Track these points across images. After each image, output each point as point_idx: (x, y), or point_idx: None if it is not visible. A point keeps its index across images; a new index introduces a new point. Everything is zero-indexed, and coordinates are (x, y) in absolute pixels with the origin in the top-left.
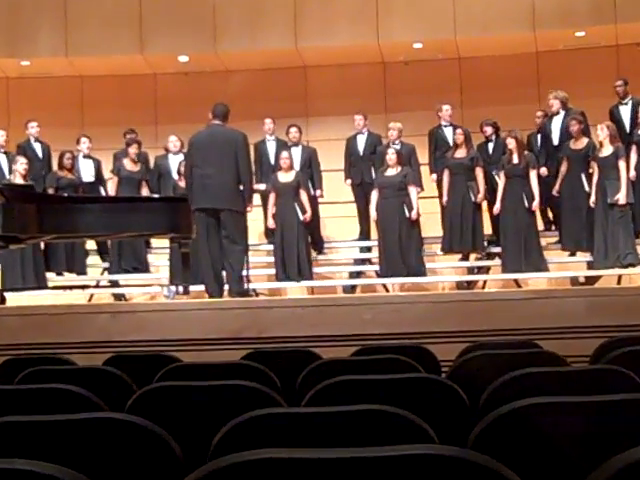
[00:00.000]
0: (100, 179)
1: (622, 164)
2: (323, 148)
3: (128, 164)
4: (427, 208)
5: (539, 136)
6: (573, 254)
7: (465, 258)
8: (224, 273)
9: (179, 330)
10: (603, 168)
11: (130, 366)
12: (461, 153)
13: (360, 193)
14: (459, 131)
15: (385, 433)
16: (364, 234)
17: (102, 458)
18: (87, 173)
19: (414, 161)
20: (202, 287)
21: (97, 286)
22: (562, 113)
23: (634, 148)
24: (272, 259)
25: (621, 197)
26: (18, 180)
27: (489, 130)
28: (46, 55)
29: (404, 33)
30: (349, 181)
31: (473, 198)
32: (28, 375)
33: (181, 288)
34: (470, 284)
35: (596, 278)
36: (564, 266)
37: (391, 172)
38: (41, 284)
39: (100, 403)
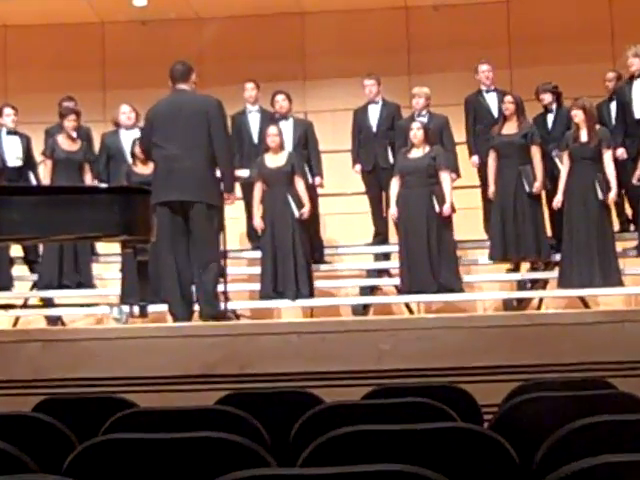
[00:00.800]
0: (29, 162)
1: None
2: (325, 122)
3: (64, 142)
4: (464, 201)
5: (613, 105)
6: None
7: (515, 268)
8: (194, 289)
9: (134, 365)
10: None
11: (69, 412)
12: (511, 128)
13: (373, 182)
14: (508, 99)
15: None
16: (380, 236)
17: None
18: (12, 155)
19: (447, 138)
20: (164, 307)
21: (25, 306)
22: None
23: None
24: (258, 270)
25: None
26: None
27: (548, 97)
28: None
29: None
30: (358, 166)
31: (527, 187)
32: None
33: (136, 309)
34: (521, 303)
35: None
36: None
37: (416, 153)
38: None
39: (28, 462)
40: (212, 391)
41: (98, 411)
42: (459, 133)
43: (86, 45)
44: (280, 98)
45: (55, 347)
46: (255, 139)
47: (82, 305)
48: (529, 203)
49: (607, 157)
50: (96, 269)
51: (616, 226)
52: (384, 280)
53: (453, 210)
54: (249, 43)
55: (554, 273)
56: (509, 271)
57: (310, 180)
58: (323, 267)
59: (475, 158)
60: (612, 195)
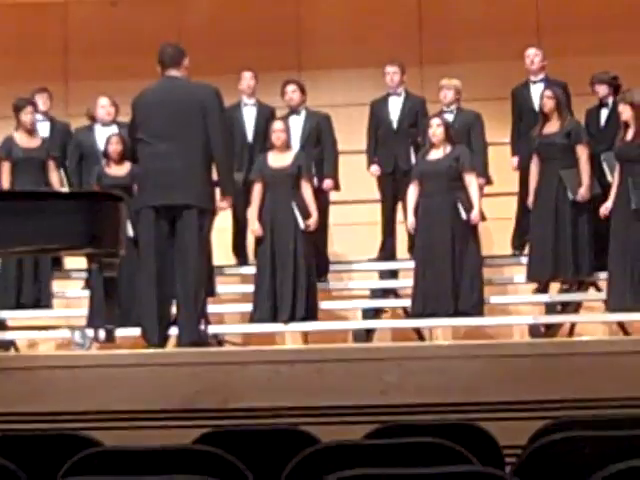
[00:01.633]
0: None
1: None
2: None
3: (22, 139)
4: (497, 210)
5: None
6: None
7: (542, 289)
8: (173, 309)
9: (99, 397)
10: None
11: (22, 452)
12: (552, 127)
13: (389, 187)
14: (547, 93)
15: None
16: (386, 251)
17: None
18: None
19: (476, 137)
20: (135, 331)
21: None
22: None
23: None
24: (246, 288)
25: None
26: None
27: (603, 90)
28: None
29: None
30: (375, 168)
31: (570, 195)
32: None
33: (102, 332)
34: (550, 329)
35: None
36: None
37: (436, 155)
38: None
39: None
40: (190, 428)
41: (57, 450)
42: (493, 133)
43: (45, 28)
44: (290, 89)
45: (7, 376)
46: (249, 137)
47: (39, 328)
48: (572, 212)
49: None
50: (59, 286)
51: None
52: (391, 301)
53: (483, 218)
54: (237, 27)
55: (588, 294)
56: (536, 292)
57: (316, 183)
58: (320, 286)
59: (515, 160)
60: None
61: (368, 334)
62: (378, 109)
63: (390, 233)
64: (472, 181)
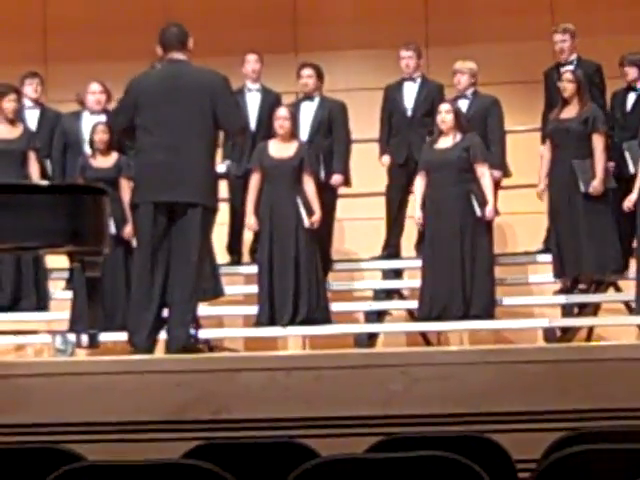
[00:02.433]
0: None
1: None
2: None
3: (2, 129)
4: (514, 204)
5: None
6: None
7: (569, 290)
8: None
9: (82, 408)
10: None
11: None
12: (570, 112)
13: (400, 179)
14: (567, 77)
15: None
16: (391, 249)
17: None
18: None
19: (494, 125)
20: (121, 336)
21: None
22: None
23: None
24: (239, 290)
25: None
26: None
27: (632, 72)
28: None
29: None
30: (387, 158)
31: (582, 186)
32: None
33: (85, 337)
34: (566, 333)
35: None
36: None
37: (444, 143)
38: None
39: None
40: (180, 441)
41: (36, 465)
42: (512, 120)
43: (23, 7)
44: (305, 73)
45: None
46: (252, 125)
47: (16, 332)
48: (587, 206)
49: None
50: None
51: None
52: (395, 303)
53: (496, 212)
54: (229, 6)
55: (607, 295)
56: (559, 293)
57: (324, 176)
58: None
59: (543, 149)
60: None
61: (371, 339)
62: (392, 95)
63: (396, 229)
64: (485, 173)
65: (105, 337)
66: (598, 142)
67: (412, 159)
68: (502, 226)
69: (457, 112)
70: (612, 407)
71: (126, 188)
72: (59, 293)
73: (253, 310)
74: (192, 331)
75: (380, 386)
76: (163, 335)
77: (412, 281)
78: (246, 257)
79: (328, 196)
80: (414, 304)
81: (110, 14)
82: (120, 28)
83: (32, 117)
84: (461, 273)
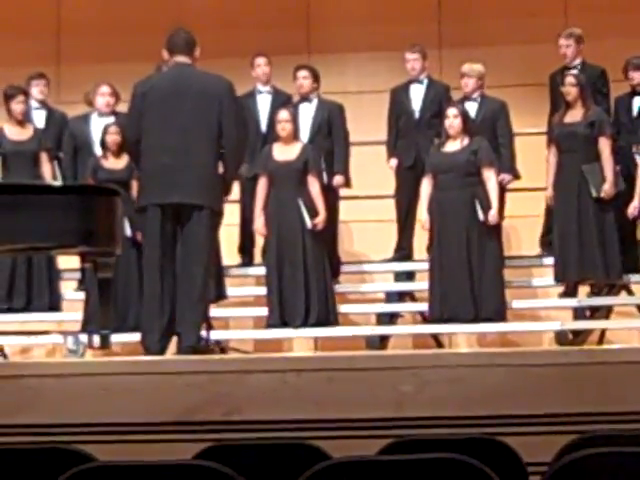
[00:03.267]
0: None
1: None
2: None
3: (12, 131)
4: (523, 207)
5: None
6: None
7: (571, 292)
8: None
9: (93, 408)
10: None
11: (10, 467)
12: (574, 116)
13: (408, 181)
14: (569, 80)
15: None
16: (403, 251)
17: None
18: None
19: (503, 128)
20: (133, 337)
21: None
22: None
23: None
24: (253, 291)
25: None
26: None
27: (638, 76)
28: None
29: None
30: (394, 161)
31: (593, 191)
32: None
33: (97, 338)
34: (578, 336)
35: None
36: None
37: (452, 147)
38: None
39: None
40: (190, 442)
41: (47, 466)
42: (520, 122)
43: (37, 7)
44: (302, 74)
45: None
46: (263, 127)
47: (29, 333)
48: (596, 210)
49: None
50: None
51: None
52: (407, 305)
53: (501, 217)
54: (243, 7)
55: (619, 298)
56: (562, 296)
57: (326, 179)
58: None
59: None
60: None
61: (382, 341)
62: (399, 98)
63: (407, 231)
64: (491, 177)
65: (117, 338)
66: (605, 146)
67: (420, 161)
68: (507, 229)
69: (465, 116)
70: (624, 410)
71: None
72: (71, 294)
73: (263, 312)
74: (203, 332)
75: (391, 388)
76: (175, 336)
77: (424, 283)
78: (258, 258)
79: (331, 198)
80: (426, 306)
81: (123, 15)
82: (133, 29)
83: (39, 118)
84: (469, 275)
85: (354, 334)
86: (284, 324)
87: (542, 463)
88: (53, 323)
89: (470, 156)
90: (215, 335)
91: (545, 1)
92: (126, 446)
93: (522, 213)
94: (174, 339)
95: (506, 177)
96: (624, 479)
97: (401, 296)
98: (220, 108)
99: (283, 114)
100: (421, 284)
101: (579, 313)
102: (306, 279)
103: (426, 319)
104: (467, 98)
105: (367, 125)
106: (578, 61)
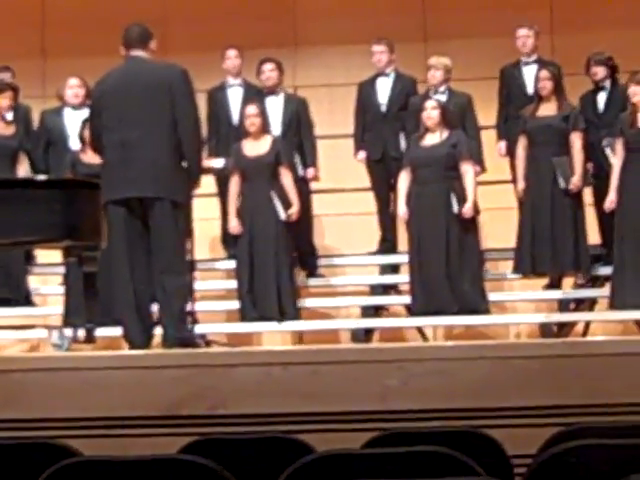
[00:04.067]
0: None
1: None
2: (320, 100)
3: None
4: (492, 200)
5: None
6: None
7: (555, 285)
8: (155, 308)
9: (78, 403)
10: None
11: None
12: (548, 109)
13: (380, 174)
14: (544, 74)
15: None
16: (387, 244)
17: None
18: None
19: (470, 123)
20: (117, 331)
21: None
22: None
23: None
24: (234, 284)
25: None
26: None
27: (601, 72)
28: None
29: None
30: (362, 154)
31: (562, 183)
32: None
33: (82, 332)
34: (563, 328)
35: None
36: None
37: (431, 140)
38: None
39: None
40: (175, 436)
41: (32, 461)
42: (486, 116)
43: (22, 1)
44: (267, 68)
45: None
46: (235, 120)
47: (13, 327)
48: (567, 203)
49: None
50: (32, 282)
51: None
52: (391, 298)
53: (476, 211)
54: (229, 2)
55: (604, 291)
56: (546, 288)
57: (301, 172)
58: (315, 282)
59: (502, 145)
60: None
61: (367, 334)
62: (366, 91)
63: (387, 223)
64: (468, 171)
65: (102, 332)
66: (577, 140)
67: (388, 154)
68: (482, 221)
69: (443, 108)
70: (608, 402)
71: None
72: (56, 288)
73: (234, 305)
74: (189, 326)
75: (376, 381)
76: (159, 331)
77: (408, 276)
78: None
79: (304, 190)
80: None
81: (109, 8)
82: (118, 23)
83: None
84: (446, 269)
85: (339, 327)
86: (257, 318)
87: (527, 455)
88: (38, 318)
89: (449, 149)
90: (200, 329)
91: None
92: (111, 440)
93: (487, 206)
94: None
95: (477, 169)
96: (609, 471)
97: (386, 289)
98: (171, 97)
99: (251, 109)
100: (405, 277)
101: (563, 305)
102: (278, 274)
103: (410, 312)
104: (431, 92)
105: (352, 117)
106: (534, 57)
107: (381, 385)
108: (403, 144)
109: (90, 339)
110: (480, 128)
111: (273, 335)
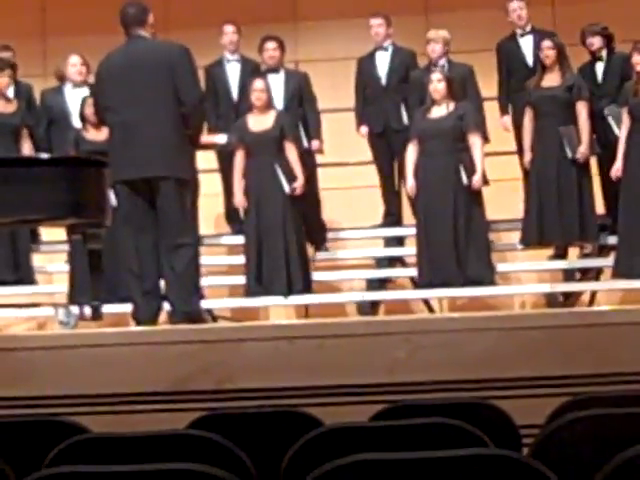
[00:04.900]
0: None
1: None
2: (322, 74)
3: None
4: (497, 172)
5: None
6: None
7: (561, 255)
8: (162, 284)
9: (85, 380)
10: None
11: (4, 440)
12: (552, 80)
13: (383, 148)
14: (547, 44)
15: None
16: (392, 217)
17: None
18: None
19: (472, 93)
20: (124, 307)
21: None
22: None
23: None
24: (240, 260)
25: None
26: None
27: (597, 42)
28: None
29: None
30: (364, 129)
31: (569, 153)
32: None
33: (88, 309)
34: (569, 298)
35: None
36: None
37: (438, 112)
38: None
39: None
40: (183, 411)
41: (41, 438)
42: (488, 86)
43: None
44: (271, 46)
45: None
46: (234, 95)
47: (20, 306)
48: (574, 173)
49: None
50: (38, 261)
51: None
52: (397, 271)
53: (485, 182)
54: None
55: (609, 260)
56: (552, 258)
57: (306, 144)
58: (321, 255)
59: (507, 118)
60: None
61: (373, 307)
62: (365, 66)
63: (391, 196)
64: (476, 142)
65: (108, 309)
66: (583, 109)
67: (389, 127)
68: (493, 191)
69: (449, 80)
70: (616, 371)
71: None
72: (61, 266)
73: (240, 280)
74: (198, 303)
75: (384, 354)
76: (167, 307)
77: (413, 249)
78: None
79: (309, 163)
80: (416, 272)
81: None
82: (119, 1)
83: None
84: (454, 240)
85: (345, 300)
86: (262, 289)
87: (535, 425)
88: (44, 295)
89: (456, 121)
90: (207, 304)
91: None
92: (119, 417)
93: (493, 177)
94: (166, 309)
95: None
96: (616, 441)
97: (391, 262)
98: (173, 74)
99: (258, 84)
100: (411, 249)
101: (569, 275)
102: (287, 248)
103: (417, 284)
104: (432, 65)
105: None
106: (529, 27)
107: (388, 357)
108: (404, 117)
109: (96, 316)
110: (483, 99)
111: (278, 309)
